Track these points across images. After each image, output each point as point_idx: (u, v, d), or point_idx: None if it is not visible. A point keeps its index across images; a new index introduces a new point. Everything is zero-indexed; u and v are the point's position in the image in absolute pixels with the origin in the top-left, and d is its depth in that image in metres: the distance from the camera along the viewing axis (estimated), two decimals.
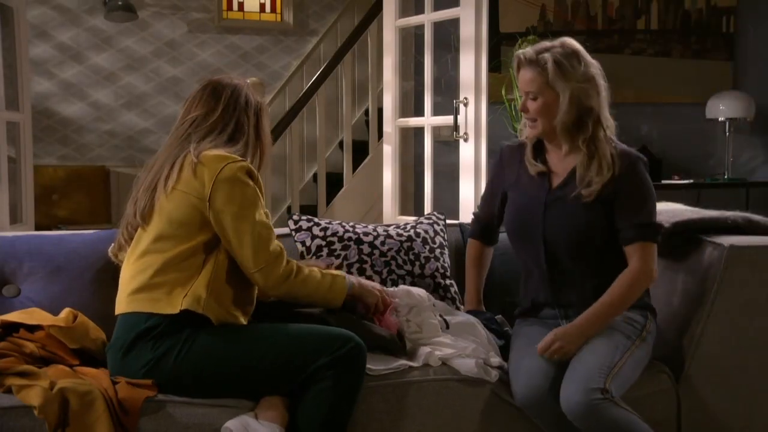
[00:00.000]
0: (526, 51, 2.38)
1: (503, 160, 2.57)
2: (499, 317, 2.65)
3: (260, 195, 2.22)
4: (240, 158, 2.21)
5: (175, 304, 2.14)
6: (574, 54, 2.36)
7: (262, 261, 2.17)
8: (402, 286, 2.65)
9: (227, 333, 2.17)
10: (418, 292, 2.56)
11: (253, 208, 2.18)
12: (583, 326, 2.28)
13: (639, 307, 2.39)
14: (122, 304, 2.23)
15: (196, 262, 2.19)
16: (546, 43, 2.39)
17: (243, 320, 2.24)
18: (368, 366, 2.28)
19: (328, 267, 2.46)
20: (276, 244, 2.22)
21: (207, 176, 2.17)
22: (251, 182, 2.20)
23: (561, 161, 2.43)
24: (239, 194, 2.17)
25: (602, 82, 2.38)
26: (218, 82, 2.34)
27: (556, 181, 2.42)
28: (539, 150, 2.48)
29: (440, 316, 2.50)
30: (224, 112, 2.28)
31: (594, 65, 2.38)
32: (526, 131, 2.48)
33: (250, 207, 2.18)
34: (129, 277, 2.24)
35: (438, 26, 4.26)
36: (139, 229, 2.27)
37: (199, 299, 2.14)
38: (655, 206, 2.39)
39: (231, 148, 2.25)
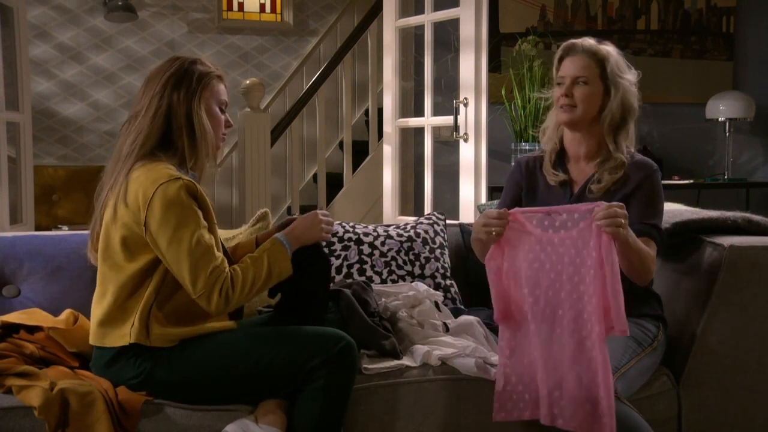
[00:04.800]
0: (585, 40, 2.42)
1: (521, 172, 2.55)
2: None
3: (197, 212, 2.09)
4: (175, 176, 2.08)
5: (124, 335, 2.11)
6: (623, 57, 2.42)
7: (201, 286, 2.06)
8: (407, 283, 2.67)
9: (219, 341, 2.15)
10: (424, 289, 2.58)
11: (189, 229, 2.06)
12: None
13: (653, 317, 2.41)
14: (91, 333, 2.21)
15: (143, 285, 2.13)
16: (593, 39, 2.43)
17: (219, 325, 2.19)
18: (364, 366, 2.29)
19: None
20: (215, 262, 2.08)
21: (141, 198, 2.07)
22: (188, 200, 2.07)
23: (581, 170, 2.45)
24: (173, 216, 2.05)
25: (636, 90, 2.43)
26: (147, 77, 2.24)
27: (577, 189, 2.44)
28: (560, 160, 2.49)
29: (443, 322, 2.51)
30: (148, 112, 2.17)
31: (635, 73, 2.44)
32: (549, 144, 2.50)
33: (185, 228, 2.06)
34: (95, 299, 2.21)
35: (438, 26, 4.26)
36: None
37: (146, 331, 2.10)
38: (662, 213, 2.42)
39: (166, 153, 2.15)
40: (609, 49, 2.40)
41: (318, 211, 2.28)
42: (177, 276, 2.09)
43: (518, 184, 2.54)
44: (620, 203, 2.11)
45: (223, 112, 2.26)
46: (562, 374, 2.08)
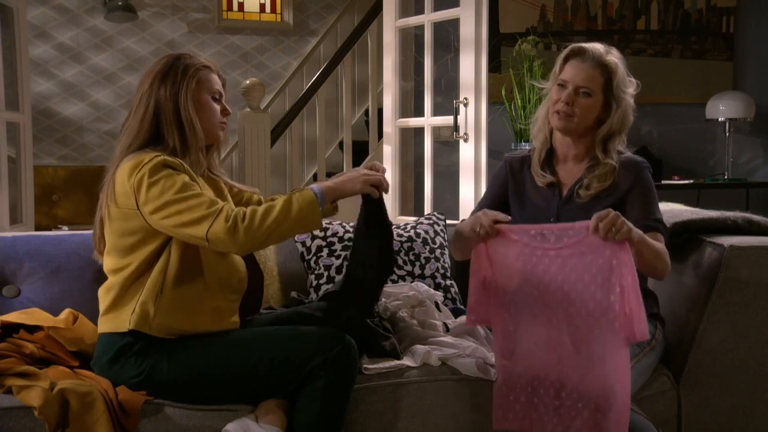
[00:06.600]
0: (595, 46, 2.36)
1: (507, 173, 2.53)
2: None
3: (181, 175, 2.08)
4: (152, 155, 2.09)
5: (123, 320, 2.13)
6: (626, 66, 2.38)
7: (205, 227, 2.02)
8: (407, 283, 2.67)
9: (220, 340, 2.15)
10: (424, 289, 2.57)
11: (174, 187, 2.06)
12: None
13: (650, 316, 2.39)
14: (98, 323, 2.24)
15: (146, 274, 2.15)
16: (602, 46, 2.38)
17: (218, 326, 2.19)
18: (364, 366, 2.29)
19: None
20: (210, 198, 2.06)
21: (129, 186, 2.10)
22: (165, 171, 2.07)
23: (569, 171, 2.44)
24: (157, 191, 2.06)
25: (633, 102, 2.40)
26: (140, 80, 2.25)
27: (565, 191, 2.43)
28: (548, 161, 2.47)
29: (443, 322, 2.51)
30: (137, 112, 2.19)
31: (635, 83, 2.40)
32: (539, 137, 2.47)
33: (170, 190, 2.06)
34: (101, 294, 2.23)
35: (438, 26, 4.25)
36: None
37: (146, 317, 2.11)
38: (658, 206, 2.41)
39: (155, 149, 2.15)
40: (617, 60, 2.35)
41: (363, 167, 2.20)
42: (186, 234, 2.06)
43: (502, 186, 2.52)
44: (608, 209, 2.07)
45: (217, 101, 2.25)
46: (570, 382, 2.09)
